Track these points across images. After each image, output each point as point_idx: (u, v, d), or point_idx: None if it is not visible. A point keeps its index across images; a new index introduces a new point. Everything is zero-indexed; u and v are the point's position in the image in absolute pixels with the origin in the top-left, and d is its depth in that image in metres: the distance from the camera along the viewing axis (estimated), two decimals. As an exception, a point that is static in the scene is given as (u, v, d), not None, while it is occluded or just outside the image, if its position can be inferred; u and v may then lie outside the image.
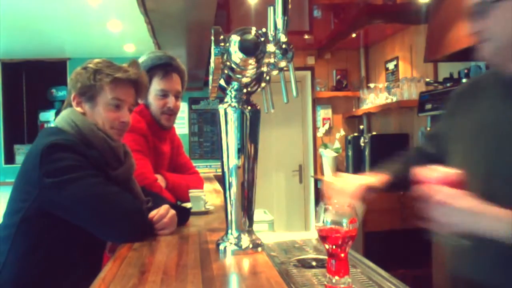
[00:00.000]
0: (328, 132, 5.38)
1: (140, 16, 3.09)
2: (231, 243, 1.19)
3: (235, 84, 1.18)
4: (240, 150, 1.18)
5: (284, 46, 1.12)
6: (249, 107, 1.18)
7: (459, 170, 1.07)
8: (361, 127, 5.18)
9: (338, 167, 5.16)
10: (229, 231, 1.20)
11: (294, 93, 1.12)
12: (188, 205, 1.83)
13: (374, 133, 4.72)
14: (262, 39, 1.10)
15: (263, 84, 1.22)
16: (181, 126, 5.87)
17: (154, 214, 1.42)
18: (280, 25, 1.14)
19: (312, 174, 5.51)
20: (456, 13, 2.79)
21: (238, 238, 1.19)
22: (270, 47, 1.12)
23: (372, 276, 1.34)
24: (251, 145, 1.18)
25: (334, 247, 0.98)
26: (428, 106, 3.26)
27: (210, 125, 6.03)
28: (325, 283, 1.01)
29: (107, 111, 1.48)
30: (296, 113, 5.77)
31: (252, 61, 1.10)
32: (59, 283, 1.38)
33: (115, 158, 1.48)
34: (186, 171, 2.31)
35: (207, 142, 6.06)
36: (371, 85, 4.84)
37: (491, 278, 1.09)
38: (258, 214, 2.75)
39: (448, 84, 3.22)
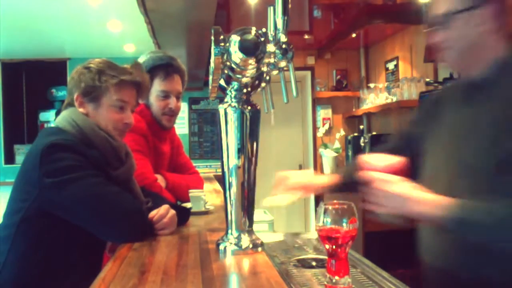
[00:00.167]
0: (328, 132, 5.38)
1: (140, 16, 3.09)
2: (231, 243, 1.19)
3: (235, 84, 1.18)
4: (240, 150, 1.17)
5: (284, 46, 1.12)
6: (249, 107, 1.18)
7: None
8: (361, 127, 5.18)
9: (338, 167, 5.16)
10: (229, 231, 1.20)
11: (294, 93, 1.12)
12: (188, 205, 1.83)
13: (374, 133, 4.72)
14: (262, 39, 1.10)
15: (263, 84, 1.22)
16: (181, 126, 5.87)
17: (154, 214, 1.42)
18: (280, 25, 1.14)
19: (312, 174, 5.50)
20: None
21: (238, 238, 1.19)
22: (270, 47, 1.12)
23: (372, 276, 1.34)
24: (251, 145, 1.18)
25: (334, 247, 0.98)
26: (428, 106, 3.26)
27: (210, 125, 6.03)
28: (325, 283, 1.01)
29: (111, 112, 1.48)
30: (296, 113, 5.76)
31: (252, 61, 1.10)
32: (59, 283, 1.38)
33: (116, 158, 1.48)
34: (186, 171, 2.31)
35: (207, 142, 6.06)
36: (371, 85, 4.84)
37: (448, 263, 1.19)
38: (258, 214, 2.75)
39: (448, 84, 3.22)
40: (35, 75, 6.12)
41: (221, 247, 1.20)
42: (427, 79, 3.69)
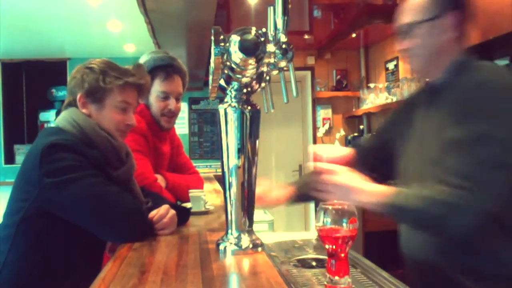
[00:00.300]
0: (328, 132, 5.39)
1: (140, 16, 3.09)
2: (231, 243, 1.19)
3: (235, 84, 1.18)
4: (240, 150, 1.17)
5: (284, 46, 1.12)
6: (249, 107, 1.18)
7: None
8: (361, 127, 5.18)
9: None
10: (229, 231, 1.20)
11: (294, 93, 1.13)
12: (188, 205, 1.83)
13: (374, 133, 4.72)
14: (262, 39, 1.10)
15: (263, 84, 1.22)
16: (181, 126, 5.87)
17: (154, 214, 1.42)
18: (280, 25, 1.14)
19: (312, 174, 5.50)
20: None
21: (238, 238, 1.19)
22: (270, 47, 1.12)
23: (372, 276, 1.34)
24: (251, 145, 1.18)
25: (334, 247, 0.98)
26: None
27: (210, 125, 6.03)
28: (325, 283, 1.01)
29: (114, 114, 1.48)
30: (296, 113, 5.77)
31: (252, 61, 1.09)
32: (59, 283, 1.38)
33: (117, 158, 1.48)
34: (186, 171, 2.31)
35: (207, 142, 6.06)
36: (371, 85, 4.84)
37: (426, 255, 1.27)
38: (258, 214, 2.75)
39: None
40: (35, 75, 6.12)
41: (221, 247, 1.20)
42: (427, 79, 3.68)
